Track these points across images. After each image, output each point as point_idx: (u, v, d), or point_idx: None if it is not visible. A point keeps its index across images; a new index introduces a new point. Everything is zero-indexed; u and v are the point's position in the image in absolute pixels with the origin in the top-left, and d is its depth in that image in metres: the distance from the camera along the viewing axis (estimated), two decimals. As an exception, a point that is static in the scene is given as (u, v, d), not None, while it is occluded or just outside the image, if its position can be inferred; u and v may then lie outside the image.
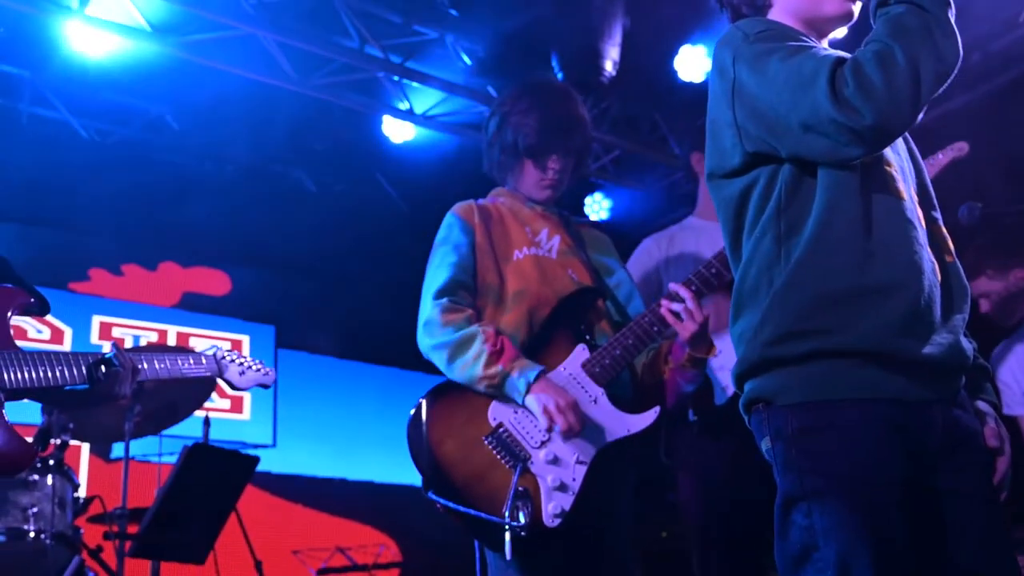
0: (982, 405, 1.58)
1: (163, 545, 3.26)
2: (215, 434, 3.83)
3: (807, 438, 1.41)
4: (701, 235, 2.79)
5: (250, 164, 5.90)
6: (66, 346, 5.44)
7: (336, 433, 6.33)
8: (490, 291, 2.35)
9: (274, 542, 4.94)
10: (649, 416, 2.21)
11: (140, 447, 3.43)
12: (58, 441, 2.99)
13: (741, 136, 1.51)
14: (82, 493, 3.29)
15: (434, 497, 2.16)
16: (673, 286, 2.22)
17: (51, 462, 3.00)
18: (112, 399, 1.73)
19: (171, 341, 5.82)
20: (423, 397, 2.28)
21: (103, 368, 1.72)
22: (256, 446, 5.72)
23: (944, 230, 1.62)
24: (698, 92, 5.39)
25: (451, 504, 2.13)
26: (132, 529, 3.28)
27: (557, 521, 2.11)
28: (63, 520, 2.99)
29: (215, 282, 6.30)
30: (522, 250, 2.38)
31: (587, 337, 2.29)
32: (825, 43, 1.65)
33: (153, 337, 5.79)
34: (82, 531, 3.17)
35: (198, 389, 3.37)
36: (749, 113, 1.49)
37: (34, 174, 5.23)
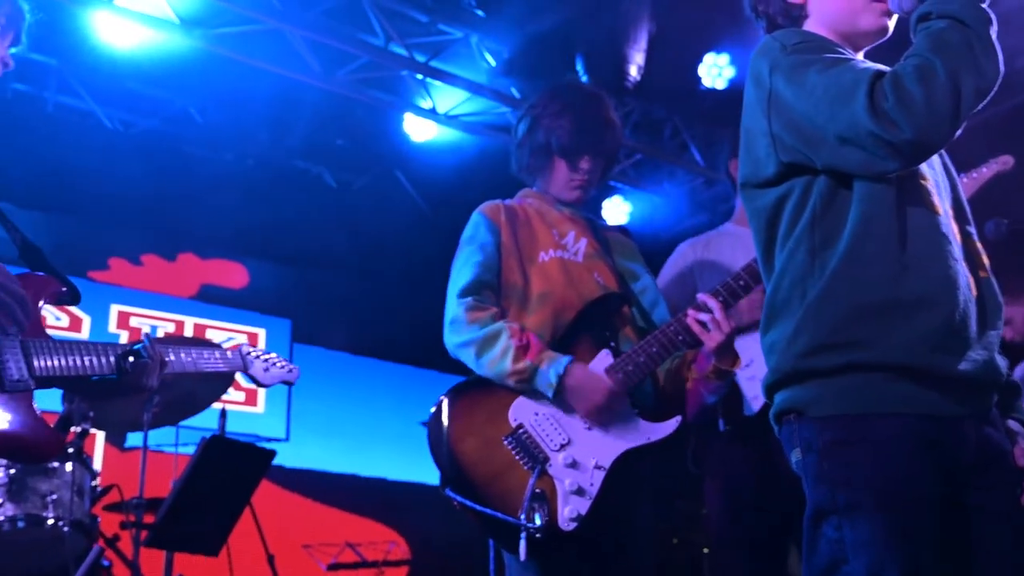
0: (1013, 424, 1.57)
1: (178, 536, 3.27)
2: (229, 426, 3.84)
3: (839, 451, 1.41)
4: (737, 242, 2.78)
5: (271, 158, 5.93)
6: (84, 334, 5.48)
7: (349, 429, 6.35)
8: (514, 291, 2.35)
9: (285, 536, 4.95)
10: (670, 425, 2.21)
11: (155, 437, 3.44)
12: (78, 429, 3.00)
13: (776, 146, 1.51)
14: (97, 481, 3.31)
15: (451, 495, 2.16)
16: (701, 296, 2.21)
17: (70, 450, 3.02)
18: (139, 390, 1.74)
19: (188, 332, 5.85)
20: (444, 394, 2.28)
21: (132, 359, 1.73)
22: (269, 439, 5.74)
23: (979, 245, 1.61)
24: (720, 99, 5.40)
25: (468, 502, 2.13)
26: (148, 519, 3.29)
27: (573, 525, 2.11)
28: (81, 508, 3.01)
29: (233, 275, 6.32)
30: (548, 252, 2.38)
31: (611, 343, 2.28)
32: (860, 55, 1.64)
33: (170, 328, 5.82)
34: (99, 519, 3.19)
35: (217, 382, 3.38)
36: (785, 123, 1.49)
37: (58, 163, 5.27)
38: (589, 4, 4.41)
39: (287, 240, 6.09)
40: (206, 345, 2.09)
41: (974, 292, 1.49)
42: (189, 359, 1.92)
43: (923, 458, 1.38)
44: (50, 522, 2.91)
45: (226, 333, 5.97)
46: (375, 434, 6.42)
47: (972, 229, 1.62)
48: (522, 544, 2.05)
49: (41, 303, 1.77)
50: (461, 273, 2.35)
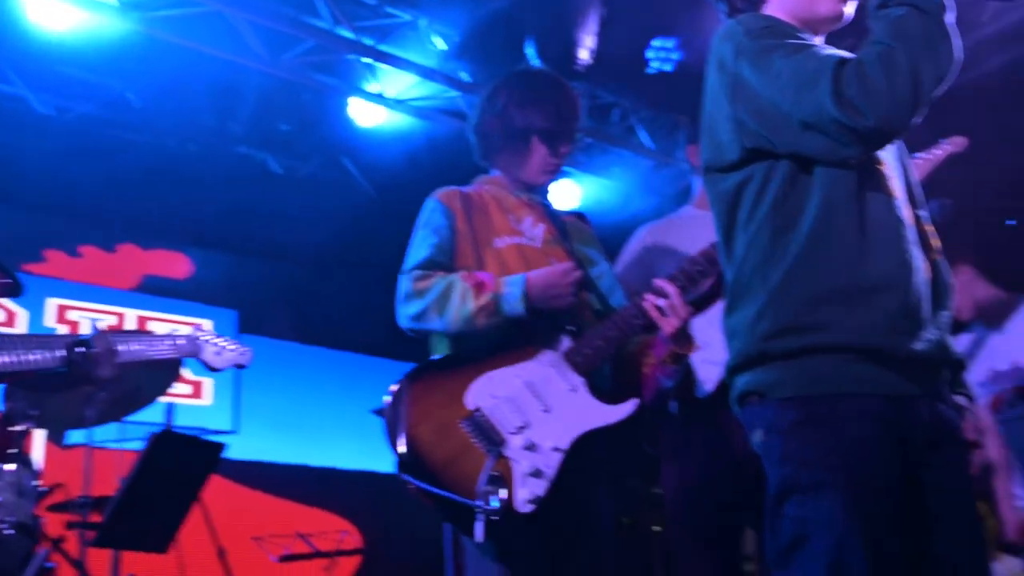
0: (960, 399, 1.62)
1: (127, 534, 3.20)
2: (176, 420, 3.76)
3: (801, 431, 1.43)
4: (698, 225, 2.80)
5: (214, 144, 5.78)
6: (20, 329, 5.30)
7: (298, 419, 6.27)
8: None
9: (235, 529, 4.87)
10: (627, 407, 2.22)
11: (99, 433, 3.35)
12: (21, 428, 2.90)
13: (740, 131, 1.52)
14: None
15: (408, 479, 2.14)
16: (658, 282, 2.23)
17: (11, 450, 2.91)
18: (90, 382, 1.68)
19: (130, 325, 5.70)
20: (399, 380, 2.26)
21: (82, 351, 1.67)
22: (218, 432, 5.64)
23: (930, 228, 1.64)
24: (669, 84, 5.42)
25: (424, 486, 2.12)
26: (94, 518, 3.21)
27: (530, 507, 2.11)
28: (23, 509, 2.90)
29: (176, 265, 6.18)
30: (504, 238, 2.37)
31: (570, 328, 2.29)
32: (819, 40, 1.66)
33: (112, 321, 5.67)
34: (43, 520, 3.09)
35: (163, 374, 3.30)
36: (749, 108, 1.50)
37: (-12, 150, 5.07)
38: (539, -13, 4.39)
39: (232, 228, 5.97)
40: (154, 333, 2.03)
41: (927, 275, 1.52)
42: (140, 347, 1.87)
43: (883, 437, 1.42)
44: (-8, 525, 2.81)
45: (170, 325, 5.84)
46: (325, 424, 6.35)
47: (923, 212, 1.66)
48: (479, 526, 2.05)
49: (-19, 296, 1.69)
50: (415, 253, 2.35)
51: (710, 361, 2.61)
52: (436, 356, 2.36)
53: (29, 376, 1.66)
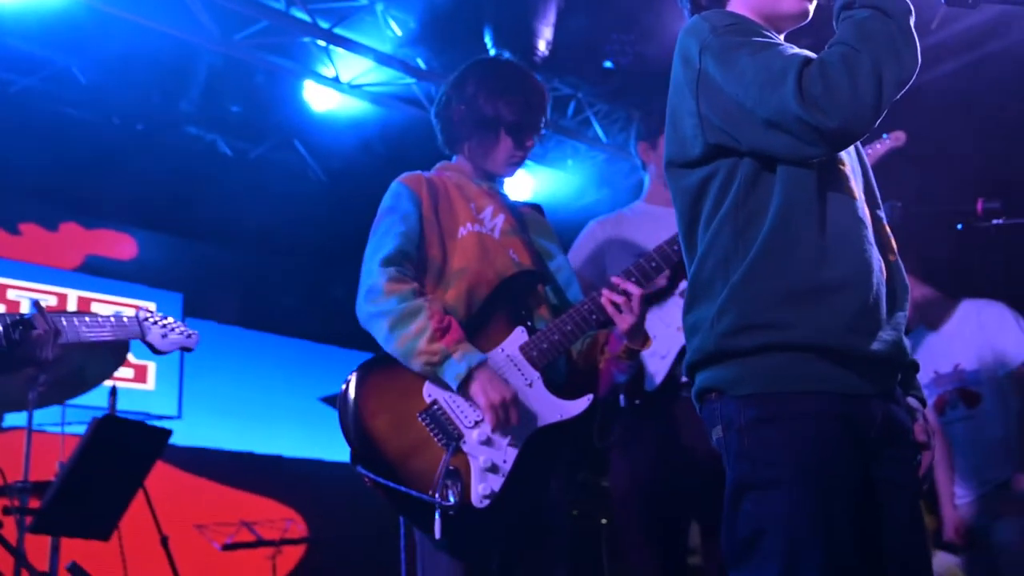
0: (912, 401, 1.66)
1: (67, 521, 3.11)
2: (119, 404, 3.67)
3: (759, 428, 1.45)
4: (649, 221, 2.83)
5: (162, 123, 5.64)
6: (-45, 307, 5.13)
7: (243, 406, 6.17)
8: (432, 265, 2.32)
9: (178, 516, 4.78)
10: (582, 403, 2.23)
11: (38, 416, 3.24)
12: (-43, 411, 2.81)
13: (703, 127, 1.52)
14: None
15: (363, 472, 2.12)
16: (615, 279, 2.24)
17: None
18: (32, 363, 1.62)
19: (71, 306, 5.55)
20: (355, 370, 2.23)
21: (23, 330, 1.61)
22: (161, 417, 5.52)
23: (887, 229, 1.67)
24: (625, 78, 5.45)
25: (380, 479, 2.10)
26: (33, 503, 3.12)
27: (486, 502, 2.11)
28: (-42, 494, 2.82)
29: (120, 246, 6.03)
30: (466, 226, 2.35)
31: (527, 321, 2.28)
32: (781, 38, 1.67)
33: (52, 301, 5.50)
34: (-22, 505, 3.00)
35: (108, 357, 3.20)
36: (713, 105, 1.50)
37: (-78, 124, 4.88)
38: (499, -25, 4.37)
39: (178, 210, 5.82)
40: (101, 313, 1.97)
41: (884, 275, 1.55)
42: (84, 328, 1.80)
43: (839, 434, 1.44)
44: (-76, 510, 2.71)
45: (113, 307, 5.69)
46: (271, 410, 6.26)
47: (881, 213, 1.69)
48: (436, 522, 2.04)
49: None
50: (384, 241, 2.27)
51: (658, 355, 2.65)
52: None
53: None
